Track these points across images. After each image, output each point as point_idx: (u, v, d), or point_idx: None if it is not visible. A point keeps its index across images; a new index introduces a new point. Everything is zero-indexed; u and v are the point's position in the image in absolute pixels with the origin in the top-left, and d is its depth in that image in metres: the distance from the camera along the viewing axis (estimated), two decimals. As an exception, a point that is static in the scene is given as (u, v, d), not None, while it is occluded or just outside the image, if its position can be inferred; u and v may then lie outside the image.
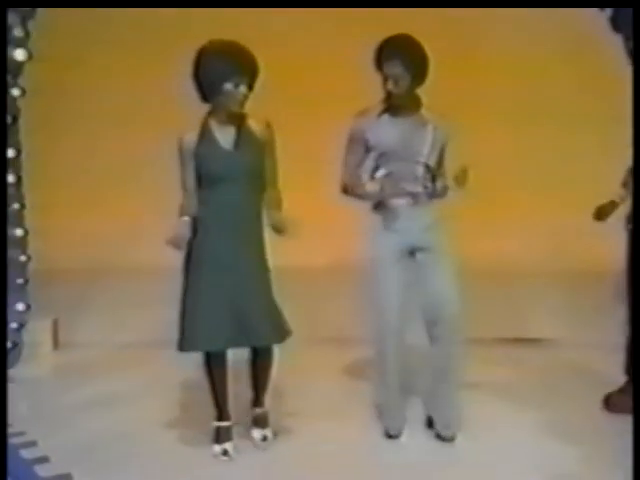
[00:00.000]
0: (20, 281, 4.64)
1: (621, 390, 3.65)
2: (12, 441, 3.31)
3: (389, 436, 3.38)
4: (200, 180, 3.11)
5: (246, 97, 3.07)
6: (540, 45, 4.81)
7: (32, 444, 3.28)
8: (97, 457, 3.16)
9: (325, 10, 4.65)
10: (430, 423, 3.43)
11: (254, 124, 3.13)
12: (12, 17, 4.40)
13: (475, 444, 3.27)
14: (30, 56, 4.42)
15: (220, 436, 3.26)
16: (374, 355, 3.36)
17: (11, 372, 4.37)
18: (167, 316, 3.74)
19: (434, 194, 3.30)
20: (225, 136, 3.08)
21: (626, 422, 3.20)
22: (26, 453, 3.20)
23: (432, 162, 3.27)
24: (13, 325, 4.60)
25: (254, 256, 3.18)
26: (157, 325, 4.57)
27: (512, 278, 4.79)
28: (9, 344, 4.53)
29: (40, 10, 4.39)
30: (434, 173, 3.28)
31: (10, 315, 4.61)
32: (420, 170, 3.25)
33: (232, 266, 3.11)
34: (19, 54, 4.43)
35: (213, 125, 3.10)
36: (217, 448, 3.23)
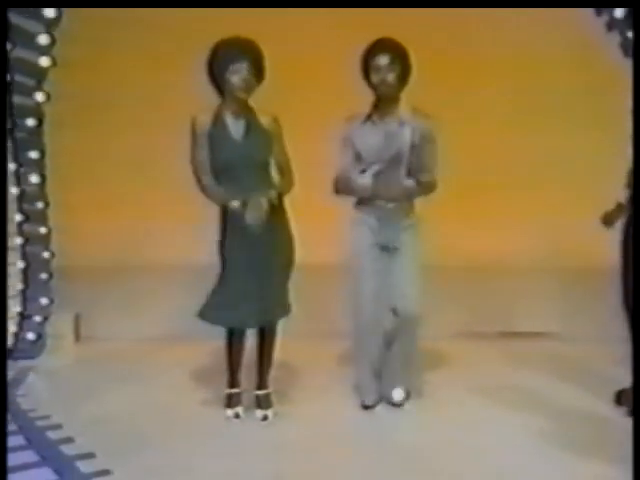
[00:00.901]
0: (44, 277, 4.87)
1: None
2: (38, 424, 3.53)
3: (365, 407, 3.67)
4: (214, 166, 3.31)
5: (250, 83, 3.27)
6: (537, 46, 4.92)
7: (57, 427, 3.46)
8: (116, 436, 3.34)
9: (326, 13, 4.83)
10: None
11: (262, 117, 3.34)
12: (37, 25, 4.65)
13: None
14: (54, 62, 4.66)
15: (232, 401, 3.59)
16: (352, 339, 3.70)
17: (35, 362, 4.61)
18: (180, 311, 3.96)
19: (416, 193, 3.52)
20: (236, 126, 3.29)
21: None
22: (52, 434, 3.38)
23: (414, 162, 3.46)
24: (37, 318, 4.83)
25: (278, 232, 3.38)
26: (171, 319, 4.81)
27: (509, 274, 4.93)
28: (34, 336, 4.77)
29: (63, 18, 4.62)
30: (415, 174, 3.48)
31: (34, 309, 4.85)
32: (403, 171, 3.46)
33: (259, 248, 3.32)
34: (44, 61, 4.67)
35: (225, 115, 3.30)
36: (229, 412, 3.57)
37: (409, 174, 3.49)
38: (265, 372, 3.66)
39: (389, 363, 3.72)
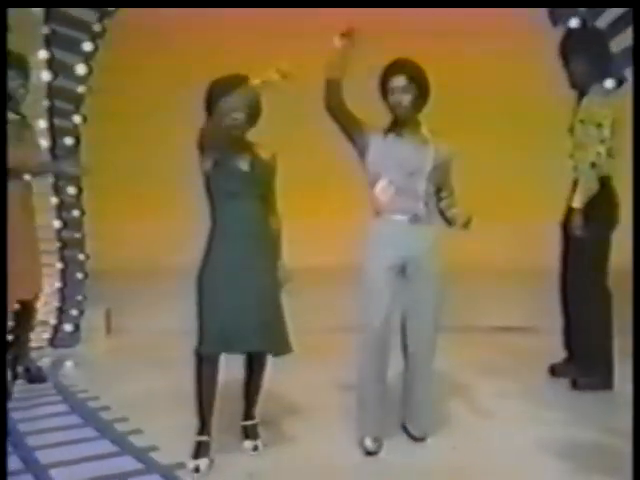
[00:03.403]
0: (79, 276, 5.52)
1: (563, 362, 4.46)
2: (79, 396, 4.18)
3: (368, 453, 3.35)
4: (219, 195, 3.27)
5: (242, 123, 3.22)
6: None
7: (96, 398, 4.10)
8: (142, 406, 3.95)
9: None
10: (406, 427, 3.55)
11: (263, 153, 3.33)
12: (75, 58, 5.34)
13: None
14: (90, 89, 5.35)
15: (198, 451, 3.21)
16: (357, 367, 3.38)
17: (71, 350, 5.26)
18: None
19: (440, 214, 3.37)
20: (242, 159, 3.27)
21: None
22: (92, 403, 4.03)
23: (434, 181, 3.32)
24: (74, 312, 5.49)
25: (266, 266, 3.30)
26: (191, 315, 5.38)
27: (493, 276, 5.53)
28: (71, 327, 5.43)
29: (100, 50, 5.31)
30: (440, 194, 3.36)
31: (71, 304, 5.51)
32: (422, 188, 3.29)
33: (244, 275, 3.20)
34: (81, 88, 5.36)
35: (232, 148, 3.26)
36: (191, 464, 3.16)
37: (437, 192, 3.37)
38: (253, 402, 3.48)
39: (410, 394, 3.51)
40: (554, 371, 4.48)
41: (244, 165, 3.27)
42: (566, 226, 4.28)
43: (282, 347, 3.30)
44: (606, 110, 4.09)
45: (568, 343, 4.47)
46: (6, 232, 3.83)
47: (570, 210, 4.21)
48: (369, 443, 3.35)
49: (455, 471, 3.19)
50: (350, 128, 3.31)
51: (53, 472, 3.11)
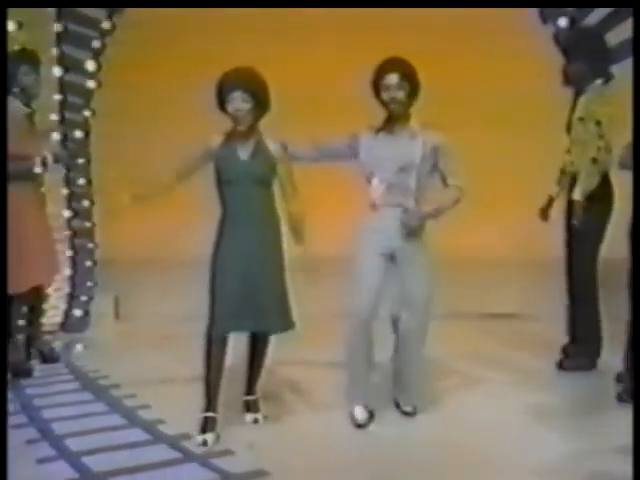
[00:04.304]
0: (89, 264, 5.75)
1: (568, 353, 4.52)
2: (90, 375, 4.41)
3: (358, 426, 3.55)
4: (221, 182, 3.48)
5: (245, 111, 3.39)
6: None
7: (106, 377, 4.34)
8: (150, 384, 4.16)
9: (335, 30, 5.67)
10: (397, 403, 3.76)
11: (270, 142, 3.50)
12: (84, 53, 5.56)
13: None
14: (100, 84, 5.57)
15: (205, 426, 3.37)
16: (344, 348, 3.58)
17: (81, 335, 5.48)
18: (202, 295, 4.67)
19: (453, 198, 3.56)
20: (243, 148, 3.46)
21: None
22: (103, 381, 4.26)
23: (424, 173, 3.53)
24: (83, 298, 5.71)
25: (271, 249, 3.49)
26: (194, 302, 5.59)
27: (487, 265, 5.74)
28: (81, 312, 5.66)
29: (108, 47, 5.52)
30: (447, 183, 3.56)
31: (81, 290, 5.74)
32: (412, 183, 3.51)
33: (251, 258, 3.41)
34: (90, 83, 5.58)
35: (235, 137, 3.48)
36: (199, 438, 3.33)
37: (443, 181, 3.58)
38: (255, 379, 3.70)
39: (400, 370, 3.74)
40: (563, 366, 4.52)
41: (244, 154, 3.45)
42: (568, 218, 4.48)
43: (286, 324, 3.52)
44: (604, 107, 4.24)
45: (573, 329, 4.57)
46: (6, 231, 3.94)
47: (570, 203, 4.38)
48: (358, 414, 3.58)
49: (443, 444, 3.38)
50: (341, 157, 3.70)
51: (68, 441, 3.34)
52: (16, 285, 4.19)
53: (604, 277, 4.43)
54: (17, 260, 4.13)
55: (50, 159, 4.37)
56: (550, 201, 4.57)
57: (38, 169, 4.37)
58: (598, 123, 4.23)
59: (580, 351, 4.46)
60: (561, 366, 4.48)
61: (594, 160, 4.23)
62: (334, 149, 3.75)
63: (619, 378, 3.96)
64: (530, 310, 5.61)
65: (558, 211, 4.57)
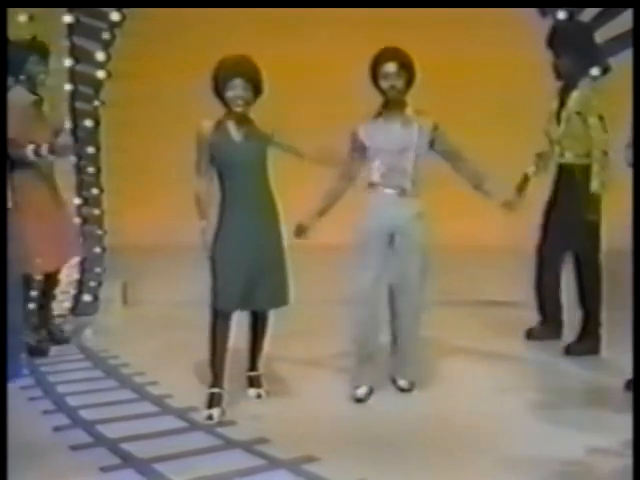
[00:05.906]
0: (98, 250, 5.86)
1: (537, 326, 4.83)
2: (101, 354, 4.58)
3: (357, 400, 3.74)
4: (218, 166, 3.59)
5: (245, 98, 3.51)
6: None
7: (115, 357, 4.50)
8: (157, 363, 4.34)
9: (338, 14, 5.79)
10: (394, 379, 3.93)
11: (261, 127, 3.62)
12: (94, 44, 5.71)
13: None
14: (109, 75, 5.72)
15: (212, 401, 3.53)
16: (349, 332, 3.80)
17: (90, 319, 5.59)
18: (206, 281, 4.79)
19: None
20: (236, 132, 3.57)
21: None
22: (113, 361, 4.42)
23: (420, 156, 3.71)
24: (92, 283, 5.85)
25: (270, 228, 3.64)
26: (199, 287, 5.73)
27: (478, 252, 5.87)
28: (90, 297, 5.81)
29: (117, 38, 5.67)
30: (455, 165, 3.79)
31: (90, 276, 5.88)
32: (410, 165, 3.69)
33: (249, 238, 3.55)
34: (100, 74, 5.72)
35: (228, 122, 3.57)
36: (205, 412, 3.50)
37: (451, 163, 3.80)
38: (257, 355, 3.87)
39: (397, 347, 3.91)
40: (530, 335, 4.85)
41: (238, 137, 3.56)
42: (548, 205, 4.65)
43: (282, 300, 3.70)
44: (604, 102, 4.36)
45: (542, 309, 4.84)
46: (6, 230, 3.90)
47: (556, 189, 4.57)
48: (361, 392, 3.76)
49: (438, 418, 3.55)
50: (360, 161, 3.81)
51: (82, 412, 3.51)
52: (53, 263, 4.67)
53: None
54: (50, 240, 4.44)
55: (44, 149, 4.35)
56: (525, 179, 4.60)
57: (31, 157, 4.35)
58: (601, 118, 4.34)
59: (580, 335, 4.59)
60: (568, 351, 4.56)
61: (605, 153, 4.32)
62: (351, 161, 3.82)
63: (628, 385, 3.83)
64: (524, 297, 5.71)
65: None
